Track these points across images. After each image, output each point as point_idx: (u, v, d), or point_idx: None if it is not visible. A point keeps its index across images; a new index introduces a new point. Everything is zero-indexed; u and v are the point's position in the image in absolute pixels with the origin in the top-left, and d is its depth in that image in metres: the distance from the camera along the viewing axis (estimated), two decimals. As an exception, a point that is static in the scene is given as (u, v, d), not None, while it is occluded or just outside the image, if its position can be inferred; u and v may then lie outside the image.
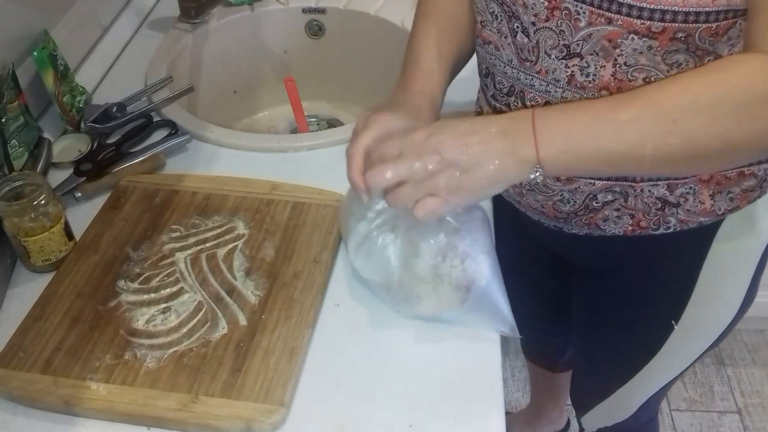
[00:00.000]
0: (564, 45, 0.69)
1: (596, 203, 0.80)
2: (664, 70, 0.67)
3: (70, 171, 0.98)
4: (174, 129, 1.05)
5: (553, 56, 0.71)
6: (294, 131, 1.34)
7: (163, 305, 0.80)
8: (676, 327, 0.91)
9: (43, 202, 0.82)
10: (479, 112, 0.91)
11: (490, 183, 0.63)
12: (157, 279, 0.83)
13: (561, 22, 0.68)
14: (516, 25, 0.73)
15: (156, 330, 0.77)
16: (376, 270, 0.77)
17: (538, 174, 0.63)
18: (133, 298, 0.81)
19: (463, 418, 0.70)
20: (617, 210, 0.80)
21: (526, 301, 1.26)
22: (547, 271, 1.12)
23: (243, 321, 0.77)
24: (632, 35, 0.65)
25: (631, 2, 0.63)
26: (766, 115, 0.57)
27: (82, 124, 1.06)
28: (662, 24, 0.63)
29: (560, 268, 1.03)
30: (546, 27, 0.70)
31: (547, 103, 0.75)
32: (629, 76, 0.68)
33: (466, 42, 0.85)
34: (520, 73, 0.76)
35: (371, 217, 0.76)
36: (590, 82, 0.70)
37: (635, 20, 0.63)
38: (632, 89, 0.66)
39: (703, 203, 0.78)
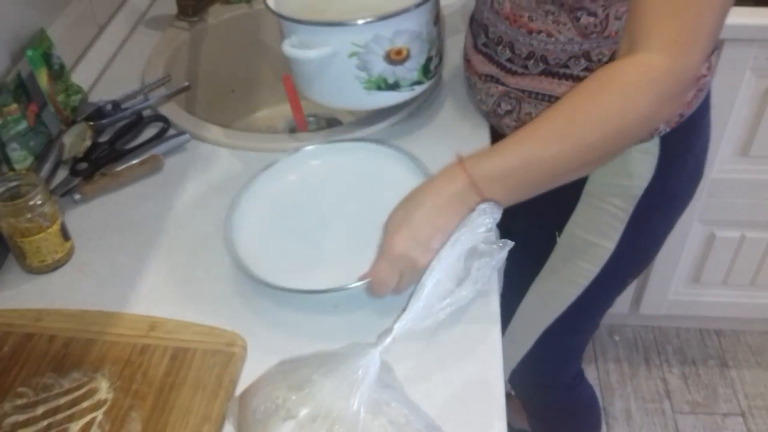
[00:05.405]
0: None
1: (500, 110, 0.93)
2: (541, 15, 0.82)
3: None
4: (166, 124, 1.04)
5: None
6: (293, 130, 1.32)
7: None
8: (558, 239, 0.99)
9: (39, 202, 0.80)
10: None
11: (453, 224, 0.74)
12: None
13: None
14: None
15: None
16: None
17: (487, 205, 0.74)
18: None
19: (464, 422, 0.69)
20: (515, 121, 0.92)
21: None
22: None
23: None
24: None
25: None
26: (619, 141, 0.74)
27: (76, 123, 1.05)
28: None
29: None
30: None
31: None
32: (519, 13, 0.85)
33: None
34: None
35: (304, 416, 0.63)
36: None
37: None
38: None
39: None
